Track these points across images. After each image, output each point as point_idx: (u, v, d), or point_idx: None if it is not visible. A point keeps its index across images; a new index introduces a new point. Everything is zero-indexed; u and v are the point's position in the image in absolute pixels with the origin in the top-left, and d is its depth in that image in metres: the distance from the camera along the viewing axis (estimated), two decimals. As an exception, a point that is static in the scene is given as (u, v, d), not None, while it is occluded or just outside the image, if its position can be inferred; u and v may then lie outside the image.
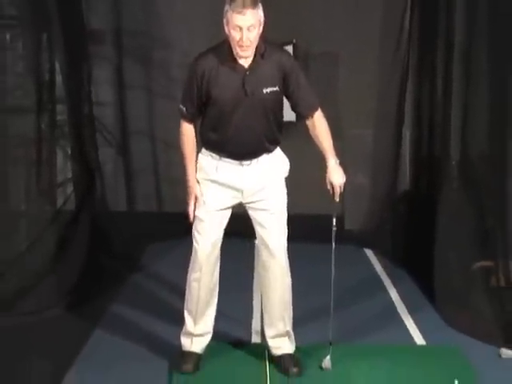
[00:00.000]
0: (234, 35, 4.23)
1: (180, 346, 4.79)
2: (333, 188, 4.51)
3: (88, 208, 6.22)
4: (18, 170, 5.94)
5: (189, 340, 4.75)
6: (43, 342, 5.10)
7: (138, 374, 4.68)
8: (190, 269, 4.68)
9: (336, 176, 4.50)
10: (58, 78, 6.00)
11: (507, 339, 5.07)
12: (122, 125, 7.39)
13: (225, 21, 4.25)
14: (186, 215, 4.63)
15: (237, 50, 4.29)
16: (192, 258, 4.65)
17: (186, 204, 4.62)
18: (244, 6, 4.16)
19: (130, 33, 7.27)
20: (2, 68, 5.85)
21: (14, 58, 6.03)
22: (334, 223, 4.61)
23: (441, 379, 4.63)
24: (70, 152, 6.19)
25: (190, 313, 4.71)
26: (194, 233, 4.63)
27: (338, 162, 4.52)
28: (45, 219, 5.90)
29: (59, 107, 6.04)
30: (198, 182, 4.59)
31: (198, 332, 4.73)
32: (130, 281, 6.41)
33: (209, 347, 4.78)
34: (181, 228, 7.18)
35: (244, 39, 4.23)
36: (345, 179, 4.51)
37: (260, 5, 4.24)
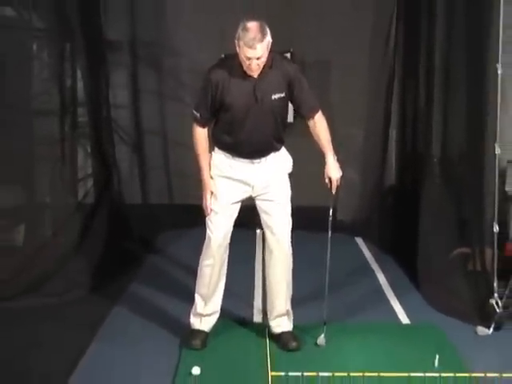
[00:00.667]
0: (244, 61, 4.28)
1: (189, 324, 4.83)
2: (330, 182, 4.57)
3: (106, 201, 6.23)
4: (43, 167, 5.96)
5: (198, 320, 4.80)
6: (67, 320, 5.16)
7: (152, 349, 4.74)
8: (202, 255, 4.72)
9: (333, 171, 4.56)
10: (80, 84, 6.02)
11: (482, 318, 5.12)
12: (137, 125, 7.34)
13: (236, 43, 4.28)
14: (203, 208, 4.65)
15: (246, 71, 4.35)
16: (205, 246, 4.69)
17: (203, 199, 4.64)
18: (254, 41, 4.19)
19: (143, 42, 7.22)
20: (30, 75, 5.86)
21: (40, 65, 6.03)
22: (331, 213, 4.66)
23: (423, 354, 4.67)
24: (89, 150, 6.20)
25: (201, 295, 4.76)
26: (209, 223, 4.66)
27: (335, 158, 4.58)
28: (68, 210, 5.94)
29: (80, 110, 6.05)
30: (212, 178, 4.62)
31: (207, 312, 4.78)
32: (145, 265, 6.44)
33: (215, 325, 4.83)
34: (189, 218, 7.31)
35: (253, 66, 4.29)
36: (341, 174, 4.58)
37: (268, 32, 4.26)
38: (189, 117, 7.40)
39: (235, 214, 4.68)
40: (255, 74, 4.37)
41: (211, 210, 4.62)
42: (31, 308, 5.28)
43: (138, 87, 7.32)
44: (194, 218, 7.33)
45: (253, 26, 4.24)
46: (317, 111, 4.59)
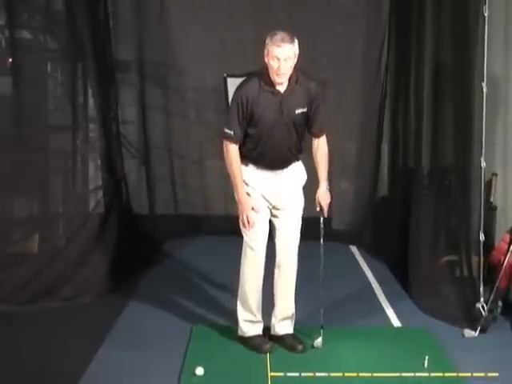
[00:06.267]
0: (272, 64, 4.31)
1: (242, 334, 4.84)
2: (321, 206, 4.67)
3: (115, 211, 6.22)
4: (57, 179, 6.01)
5: (252, 325, 4.80)
6: (78, 324, 5.18)
7: (159, 351, 4.76)
8: (244, 268, 4.69)
9: (324, 197, 4.67)
10: (91, 101, 6.03)
11: (469, 321, 5.15)
12: (144, 140, 7.31)
13: (265, 52, 4.34)
14: (245, 224, 4.55)
15: (274, 77, 4.38)
16: (246, 258, 4.66)
17: (243, 215, 4.54)
18: (283, 41, 4.27)
19: (150, 62, 7.20)
20: (44, 93, 5.91)
21: (54, 84, 6.09)
22: (322, 224, 4.73)
23: (414, 355, 4.70)
24: (100, 163, 6.21)
25: (251, 305, 4.74)
26: (249, 235, 4.61)
27: (328, 187, 4.67)
28: (79, 220, 5.95)
29: (91, 125, 6.07)
30: (249, 194, 4.57)
31: (258, 319, 4.79)
32: (152, 271, 6.41)
33: (220, 326, 4.88)
34: (193, 227, 7.33)
35: (281, 68, 4.31)
36: (330, 200, 4.69)
37: (296, 41, 4.34)
38: (193, 131, 7.48)
39: (268, 225, 4.68)
40: (282, 79, 4.39)
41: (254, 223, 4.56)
42: (45, 312, 5.32)
43: (145, 104, 7.32)
44: (198, 227, 7.41)
45: (281, 32, 4.34)
46: (323, 133, 4.66)
